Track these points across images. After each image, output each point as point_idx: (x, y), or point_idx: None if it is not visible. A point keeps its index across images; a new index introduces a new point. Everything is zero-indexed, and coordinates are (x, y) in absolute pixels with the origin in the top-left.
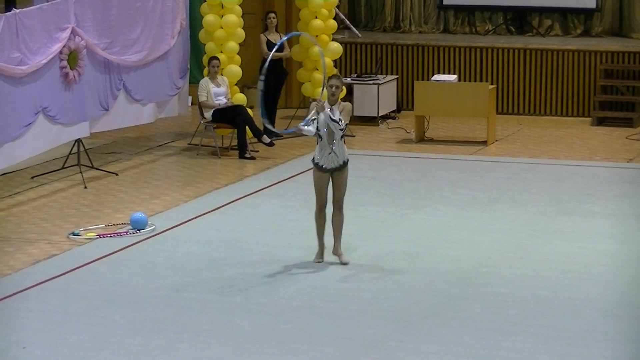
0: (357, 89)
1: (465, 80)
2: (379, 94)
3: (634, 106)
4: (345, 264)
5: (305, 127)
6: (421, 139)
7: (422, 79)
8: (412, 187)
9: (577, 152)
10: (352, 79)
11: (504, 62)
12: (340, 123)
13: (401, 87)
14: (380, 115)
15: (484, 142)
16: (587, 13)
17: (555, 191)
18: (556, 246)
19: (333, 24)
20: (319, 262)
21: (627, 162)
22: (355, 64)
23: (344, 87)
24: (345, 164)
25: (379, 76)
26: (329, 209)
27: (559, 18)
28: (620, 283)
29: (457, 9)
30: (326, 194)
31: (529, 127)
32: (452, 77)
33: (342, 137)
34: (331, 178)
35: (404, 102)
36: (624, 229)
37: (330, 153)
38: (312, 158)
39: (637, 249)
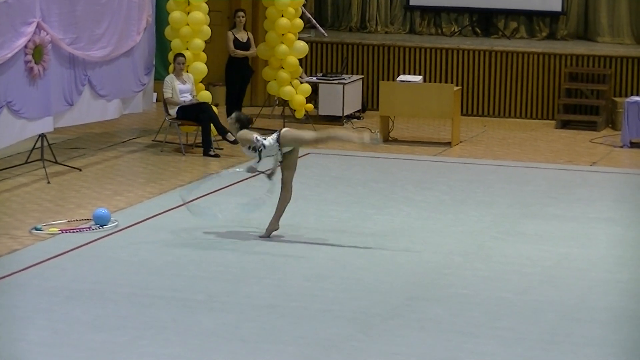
0: (322, 88)
1: (430, 81)
2: (344, 93)
3: (598, 110)
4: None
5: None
6: (386, 139)
7: (388, 79)
8: (376, 187)
9: (541, 155)
10: (317, 78)
11: (469, 63)
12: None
13: (366, 87)
14: (345, 114)
15: (449, 144)
16: (552, 16)
17: (519, 194)
18: (519, 249)
19: (299, 22)
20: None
21: (591, 165)
22: (321, 63)
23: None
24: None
25: (345, 76)
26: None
27: (525, 21)
28: (582, 286)
29: (424, 10)
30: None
31: (494, 129)
32: (418, 78)
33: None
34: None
35: (369, 102)
36: (586, 232)
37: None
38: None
39: (598, 252)
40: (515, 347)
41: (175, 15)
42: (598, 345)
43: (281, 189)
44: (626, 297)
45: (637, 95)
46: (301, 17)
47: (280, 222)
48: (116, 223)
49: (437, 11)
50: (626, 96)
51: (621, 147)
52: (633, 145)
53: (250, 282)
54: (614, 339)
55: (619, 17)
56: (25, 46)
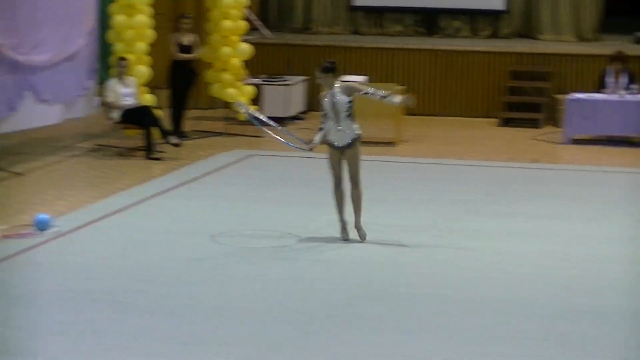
0: (266, 90)
1: (374, 81)
2: (288, 95)
3: (540, 107)
4: (363, 238)
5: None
6: None
7: None
8: (318, 187)
9: (483, 153)
10: (261, 80)
11: (413, 63)
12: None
13: (310, 88)
14: (289, 116)
15: (392, 143)
16: (495, 15)
17: (461, 191)
18: (460, 246)
19: (243, 25)
20: (345, 240)
21: (532, 162)
22: (265, 64)
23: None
24: (354, 141)
25: (288, 77)
26: (348, 186)
27: (468, 20)
28: (520, 282)
29: (367, 10)
30: (339, 170)
31: (437, 127)
32: (361, 78)
33: (349, 114)
34: (342, 155)
35: (314, 103)
36: (528, 229)
37: (338, 131)
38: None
39: (538, 248)
40: (455, 343)
41: (119, 19)
42: (537, 339)
43: (351, 186)
44: (566, 292)
45: (579, 92)
46: (245, 19)
47: (220, 224)
48: (58, 228)
49: (380, 11)
50: (567, 93)
51: (563, 143)
52: (574, 142)
53: (192, 285)
54: (551, 334)
55: (560, 15)
56: None
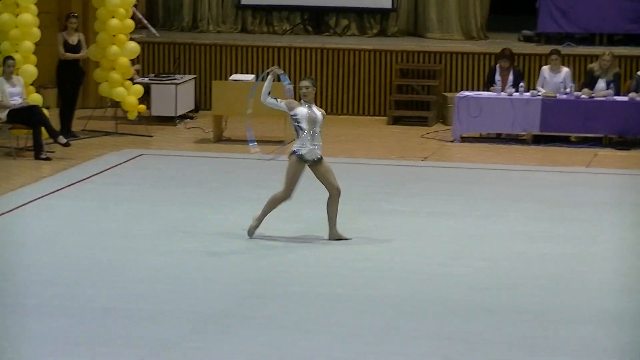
0: (154, 88)
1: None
2: (176, 93)
3: (429, 105)
4: (349, 238)
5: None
6: (219, 138)
7: (220, 79)
8: (210, 186)
9: (373, 151)
10: (150, 79)
11: (301, 61)
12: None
13: (199, 86)
14: (178, 115)
15: (282, 142)
16: (383, 13)
17: (353, 190)
18: (353, 244)
19: (130, 23)
20: (250, 236)
21: (422, 160)
22: (153, 63)
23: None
24: (321, 157)
25: (177, 76)
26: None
27: (356, 18)
28: (414, 280)
29: (255, 9)
30: (296, 184)
31: (327, 126)
32: (250, 77)
33: (320, 131)
34: (312, 170)
35: (202, 101)
36: (419, 226)
37: (311, 144)
38: (292, 150)
39: (430, 245)
40: (350, 342)
41: (4, 17)
42: (430, 338)
43: (332, 196)
44: (458, 290)
45: (467, 90)
46: (132, 18)
47: (111, 224)
48: None
49: (268, 10)
50: (456, 91)
51: (452, 141)
52: (463, 139)
53: (84, 285)
54: (446, 331)
55: (448, 13)
56: None
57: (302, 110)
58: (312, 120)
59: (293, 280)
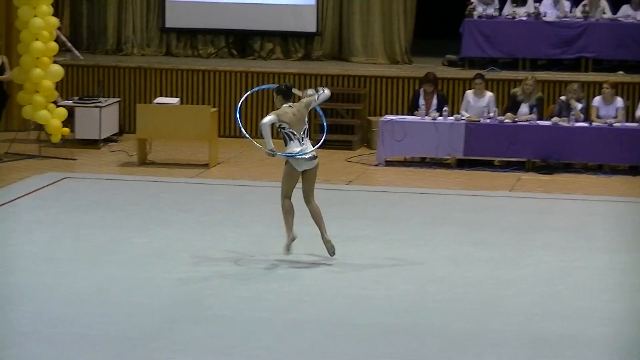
0: (78, 111)
1: (187, 103)
2: (101, 116)
3: (353, 129)
4: (332, 252)
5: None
6: (143, 162)
7: (145, 102)
8: (134, 210)
9: None
10: (73, 102)
11: (226, 85)
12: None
13: (123, 109)
14: (102, 138)
15: (206, 165)
16: (307, 37)
17: (277, 213)
18: (277, 268)
19: (54, 46)
20: (287, 253)
21: (347, 184)
22: (77, 86)
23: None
24: (317, 164)
25: (101, 99)
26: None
27: (280, 42)
28: (339, 303)
29: (180, 32)
30: (293, 189)
31: (251, 149)
32: (175, 100)
33: (306, 132)
34: (302, 175)
35: (127, 124)
36: (344, 251)
37: (305, 155)
38: (286, 161)
39: (354, 268)
40: None
41: None
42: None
43: (307, 204)
44: (383, 313)
45: (392, 114)
46: (56, 41)
47: (34, 248)
48: None
49: (193, 33)
50: (381, 115)
51: (376, 165)
52: (388, 163)
53: (6, 310)
54: (371, 355)
55: (372, 38)
56: None
57: (287, 114)
58: (297, 122)
59: (219, 303)
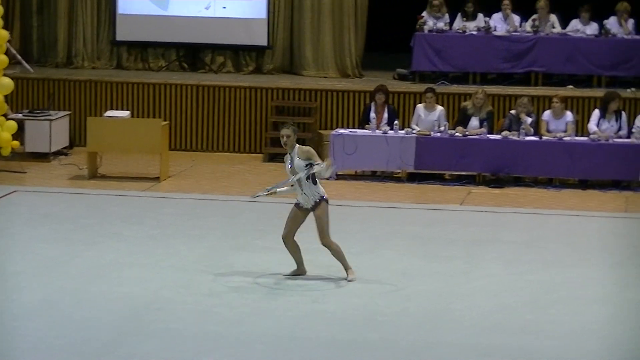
0: (28, 124)
1: (138, 117)
2: (51, 129)
3: (304, 142)
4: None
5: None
6: (94, 175)
7: (95, 115)
8: (85, 223)
9: (249, 188)
10: (23, 115)
11: (177, 98)
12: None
13: (74, 123)
14: (52, 151)
15: (157, 178)
16: (259, 50)
17: (228, 227)
18: (228, 282)
19: (4, 59)
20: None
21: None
22: (27, 99)
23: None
24: (319, 202)
25: (52, 112)
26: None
27: (231, 55)
28: (289, 317)
29: (130, 45)
30: (294, 226)
31: (202, 163)
32: (125, 113)
33: (308, 178)
34: (309, 214)
35: (77, 138)
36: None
37: (302, 194)
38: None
39: (304, 282)
40: None
41: None
42: None
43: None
44: (333, 326)
45: (342, 128)
46: (6, 53)
47: None
48: None
49: (144, 46)
50: (332, 129)
51: (327, 179)
52: (339, 177)
53: None
54: None
55: (323, 51)
56: None
57: (286, 167)
58: (292, 171)
59: (169, 317)
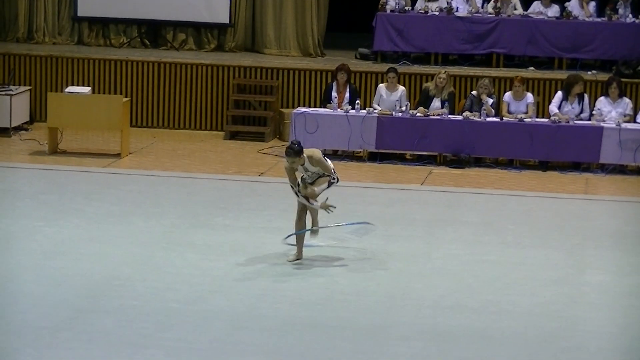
0: None
1: (99, 93)
2: (11, 104)
3: (265, 121)
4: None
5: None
6: (54, 151)
7: (56, 91)
8: (45, 199)
9: (210, 166)
10: None
11: (138, 75)
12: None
13: (34, 98)
14: (12, 126)
15: (118, 155)
16: (220, 28)
17: (188, 204)
18: (188, 259)
19: None
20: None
21: (258, 175)
22: None
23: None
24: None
25: (12, 87)
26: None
27: (193, 32)
28: (248, 295)
29: (91, 21)
30: (303, 213)
31: (163, 140)
32: (86, 90)
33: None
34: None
35: (38, 113)
36: (255, 241)
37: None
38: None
39: (265, 260)
40: (184, 357)
41: None
42: (266, 353)
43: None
44: (293, 305)
45: (304, 107)
46: None
47: None
48: None
49: (105, 22)
50: (293, 108)
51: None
52: None
53: None
54: (280, 346)
55: (285, 30)
56: None
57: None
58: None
59: (128, 294)
